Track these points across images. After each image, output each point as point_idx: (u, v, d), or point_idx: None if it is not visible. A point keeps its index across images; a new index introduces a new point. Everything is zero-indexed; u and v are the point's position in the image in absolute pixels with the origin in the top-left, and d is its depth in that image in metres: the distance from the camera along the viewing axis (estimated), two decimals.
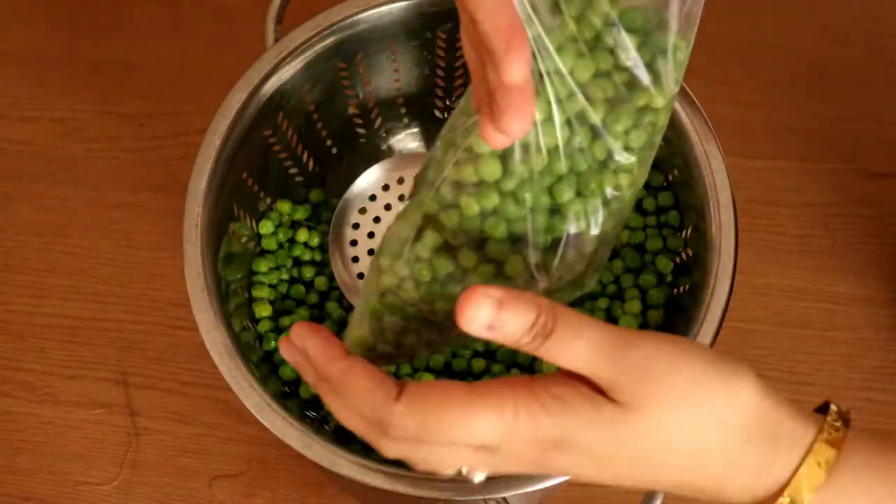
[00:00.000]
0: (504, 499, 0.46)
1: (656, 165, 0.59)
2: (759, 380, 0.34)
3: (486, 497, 0.46)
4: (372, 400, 0.34)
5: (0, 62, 0.76)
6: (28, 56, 0.76)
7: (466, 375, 0.56)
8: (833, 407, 0.35)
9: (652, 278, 0.57)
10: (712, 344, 0.47)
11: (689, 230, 0.55)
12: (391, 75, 0.62)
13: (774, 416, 0.34)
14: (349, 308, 0.59)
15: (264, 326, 0.56)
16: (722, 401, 0.33)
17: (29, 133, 0.73)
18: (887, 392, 0.65)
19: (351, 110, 0.63)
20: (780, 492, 0.33)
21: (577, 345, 0.33)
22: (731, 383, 0.34)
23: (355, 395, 0.35)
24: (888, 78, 0.74)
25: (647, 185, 0.59)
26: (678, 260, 0.56)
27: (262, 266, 0.58)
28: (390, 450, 0.35)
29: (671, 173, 0.57)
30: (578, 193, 0.38)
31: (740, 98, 0.73)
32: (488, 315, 0.33)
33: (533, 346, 0.33)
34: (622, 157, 0.38)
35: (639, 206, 0.58)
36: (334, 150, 0.64)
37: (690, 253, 0.55)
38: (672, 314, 0.55)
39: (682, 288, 0.55)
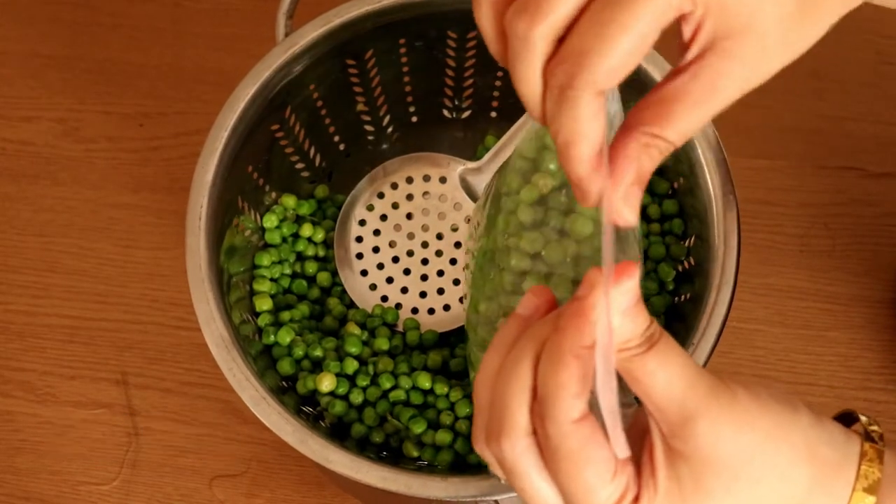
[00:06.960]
0: (496, 502, 0.46)
1: (662, 173, 0.58)
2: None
3: (479, 498, 0.46)
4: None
5: (0, 62, 0.76)
6: (28, 56, 0.76)
7: (464, 376, 0.56)
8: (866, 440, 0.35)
9: (653, 286, 0.56)
10: (712, 352, 0.47)
11: (693, 239, 0.55)
12: (400, 74, 0.61)
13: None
14: (351, 304, 0.59)
15: (264, 320, 0.56)
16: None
17: (29, 133, 0.73)
18: (887, 392, 0.65)
19: (359, 107, 0.62)
20: None
21: (677, 363, 0.32)
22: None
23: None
24: (888, 78, 0.74)
25: (652, 193, 0.58)
26: (680, 268, 0.56)
27: (265, 260, 0.58)
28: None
29: (677, 181, 0.57)
30: None
31: (740, 98, 0.73)
32: (633, 294, 0.31)
33: (635, 353, 0.32)
34: None
35: (643, 213, 0.58)
36: (342, 147, 0.64)
37: (693, 262, 0.55)
38: (672, 322, 0.55)
39: (683, 296, 0.55)
